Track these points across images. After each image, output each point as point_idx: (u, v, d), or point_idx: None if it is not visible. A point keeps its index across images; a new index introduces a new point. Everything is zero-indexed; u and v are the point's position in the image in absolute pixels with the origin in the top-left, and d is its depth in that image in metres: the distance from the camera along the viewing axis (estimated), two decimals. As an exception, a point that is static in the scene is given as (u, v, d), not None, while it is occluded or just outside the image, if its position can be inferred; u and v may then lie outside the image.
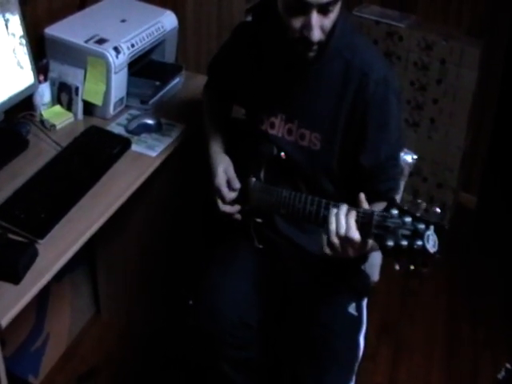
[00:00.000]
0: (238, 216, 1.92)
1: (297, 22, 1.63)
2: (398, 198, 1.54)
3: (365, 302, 1.97)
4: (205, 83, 2.19)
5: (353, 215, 1.49)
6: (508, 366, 2.66)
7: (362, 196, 1.52)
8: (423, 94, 3.41)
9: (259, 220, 1.89)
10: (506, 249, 3.45)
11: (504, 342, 2.94)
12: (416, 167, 3.43)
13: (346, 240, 1.50)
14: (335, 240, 1.51)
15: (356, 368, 1.83)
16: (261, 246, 1.92)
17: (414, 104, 3.44)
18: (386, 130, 1.74)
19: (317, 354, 1.79)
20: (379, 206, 1.52)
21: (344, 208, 1.52)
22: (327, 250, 1.54)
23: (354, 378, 1.83)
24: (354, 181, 1.79)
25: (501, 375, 2.66)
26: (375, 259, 2.09)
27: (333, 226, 1.51)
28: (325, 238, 1.54)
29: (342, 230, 1.49)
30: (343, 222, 1.50)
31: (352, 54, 1.73)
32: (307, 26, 1.60)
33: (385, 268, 2.16)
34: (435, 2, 3.46)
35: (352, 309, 1.89)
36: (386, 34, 3.40)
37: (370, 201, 1.54)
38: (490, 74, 3.39)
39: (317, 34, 1.61)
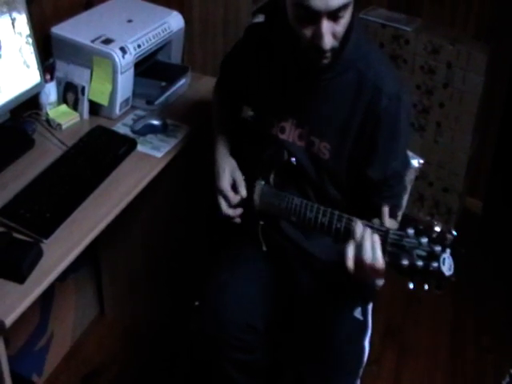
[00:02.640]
0: (238, 220, 1.91)
1: (307, 31, 1.61)
2: (400, 214, 1.53)
3: (370, 307, 1.97)
4: (216, 80, 2.19)
5: (378, 244, 1.46)
6: (512, 371, 2.65)
7: (386, 210, 1.49)
8: (429, 98, 3.40)
9: (262, 223, 1.88)
10: (512, 253, 3.44)
11: (508, 348, 2.93)
12: (422, 172, 3.43)
13: (371, 270, 1.48)
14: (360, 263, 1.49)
15: (360, 372, 1.83)
16: (265, 249, 1.92)
17: (420, 108, 3.43)
18: (395, 146, 1.73)
19: (322, 357, 1.79)
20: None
21: (368, 233, 1.49)
22: (351, 269, 1.52)
23: (358, 382, 1.83)
24: (361, 192, 1.78)
25: (505, 381, 2.65)
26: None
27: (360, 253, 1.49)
28: (350, 257, 1.50)
29: (369, 259, 1.46)
30: (369, 249, 1.47)
31: (366, 65, 1.71)
32: (318, 34, 1.58)
33: (390, 272, 2.15)
34: (442, 6, 3.45)
35: (357, 313, 1.89)
36: (392, 38, 3.40)
37: (374, 214, 1.53)
38: (496, 78, 3.38)
39: (328, 42, 1.59)
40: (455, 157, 3.43)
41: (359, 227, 1.51)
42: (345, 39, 1.67)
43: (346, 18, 1.59)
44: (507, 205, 3.83)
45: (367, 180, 1.74)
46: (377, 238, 1.47)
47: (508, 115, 3.57)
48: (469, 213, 3.74)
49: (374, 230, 1.48)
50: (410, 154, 2.00)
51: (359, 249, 1.48)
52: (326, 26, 1.57)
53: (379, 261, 1.46)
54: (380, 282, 2.13)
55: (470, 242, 3.47)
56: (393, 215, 1.47)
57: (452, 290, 3.19)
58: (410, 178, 2.06)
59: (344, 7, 1.55)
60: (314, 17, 1.56)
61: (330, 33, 1.58)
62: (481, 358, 2.88)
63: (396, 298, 3.09)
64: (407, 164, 1.81)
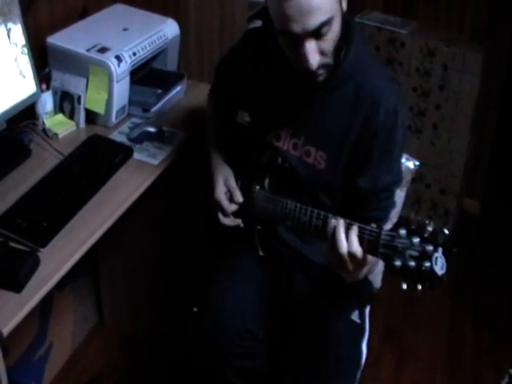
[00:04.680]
0: (241, 224, 1.91)
1: (294, 54, 1.60)
2: (387, 227, 1.54)
3: (367, 310, 1.97)
4: (211, 86, 2.18)
5: (355, 231, 1.50)
6: (512, 372, 2.65)
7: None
8: (426, 100, 3.40)
9: (260, 228, 1.89)
10: (510, 254, 3.44)
11: (507, 348, 2.93)
12: (419, 174, 3.44)
13: (348, 255, 1.50)
14: (338, 255, 1.51)
15: (358, 375, 1.83)
16: (262, 254, 1.92)
17: (416, 110, 3.44)
18: (389, 159, 1.73)
19: (319, 361, 1.79)
20: None
21: (342, 223, 1.53)
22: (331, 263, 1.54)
23: (356, 386, 1.83)
24: (351, 202, 1.79)
25: (504, 382, 2.66)
26: (378, 266, 2.09)
27: (336, 243, 1.52)
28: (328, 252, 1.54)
29: (343, 249, 1.50)
30: (342, 238, 1.51)
31: (364, 78, 1.69)
32: (303, 56, 1.57)
33: (387, 275, 2.16)
34: (437, 8, 3.46)
35: (355, 316, 1.89)
36: (387, 41, 3.40)
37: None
38: (492, 79, 3.39)
39: (314, 61, 1.58)
40: (452, 158, 3.44)
41: (334, 219, 1.55)
42: (345, 53, 1.66)
43: (331, 33, 1.57)
44: (505, 205, 3.83)
45: (357, 189, 1.74)
46: (354, 226, 1.50)
47: (504, 115, 3.58)
48: (466, 214, 3.74)
49: (366, 230, 1.49)
50: (405, 155, 2.02)
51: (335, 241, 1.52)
52: (309, 46, 1.55)
53: (354, 244, 1.48)
54: (377, 285, 2.16)
55: (468, 243, 3.49)
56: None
57: (450, 292, 3.20)
58: (405, 179, 2.07)
59: (324, 24, 1.53)
60: (297, 40, 1.55)
61: (315, 52, 1.57)
62: (480, 359, 2.89)
63: (395, 300, 3.10)
64: (400, 179, 1.80)
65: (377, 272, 2.10)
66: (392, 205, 1.80)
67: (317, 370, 1.78)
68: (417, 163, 2.10)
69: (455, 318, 3.10)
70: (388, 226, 1.66)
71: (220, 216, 1.90)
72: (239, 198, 1.88)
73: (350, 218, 1.54)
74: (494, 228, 3.70)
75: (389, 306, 3.08)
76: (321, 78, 1.67)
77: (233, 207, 1.89)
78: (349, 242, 1.49)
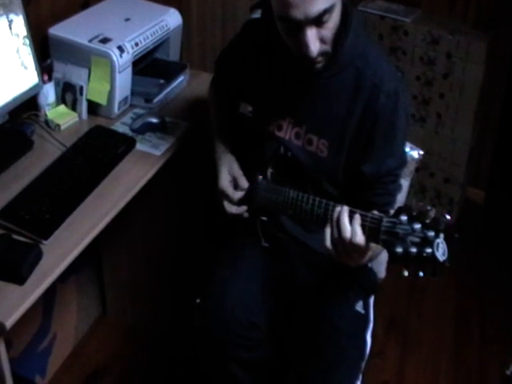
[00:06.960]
0: (246, 214, 1.91)
1: (294, 41, 1.59)
2: (392, 212, 1.53)
3: (372, 300, 1.97)
4: (212, 78, 2.18)
5: (358, 220, 1.48)
6: (517, 361, 2.65)
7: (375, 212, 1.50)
8: (430, 89, 3.39)
9: (265, 218, 1.88)
10: (515, 243, 3.43)
11: (512, 338, 2.93)
12: (423, 163, 3.43)
13: (351, 245, 1.48)
14: (339, 241, 1.50)
15: (363, 366, 1.83)
16: (266, 245, 1.92)
17: (420, 99, 3.42)
18: (392, 143, 1.72)
19: (324, 352, 1.79)
20: None
21: (346, 209, 1.51)
22: (330, 249, 1.53)
23: (360, 376, 1.82)
24: (355, 188, 1.78)
25: (509, 371, 2.66)
26: (381, 256, 2.08)
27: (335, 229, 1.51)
28: (328, 237, 1.53)
29: (347, 234, 1.48)
30: (347, 224, 1.49)
31: (364, 63, 1.69)
32: (303, 43, 1.56)
33: (390, 264, 2.15)
34: (441, -4, 3.45)
35: (359, 307, 1.89)
36: (391, 29, 3.38)
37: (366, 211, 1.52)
38: (496, 67, 3.37)
39: (314, 49, 1.57)
40: (456, 147, 3.43)
41: (338, 206, 1.53)
42: (343, 38, 1.65)
43: (331, 20, 1.57)
44: (509, 194, 3.81)
45: (361, 175, 1.74)
46: (356, 215, 1.49)
47: (508, 104, 3.56)
48: (471, 203, 3.74)
49: (368, 217, 1.48)
50: (409, 145, 2.01)
51: (339, 226, 1.50)
52: (310, 33, 1.54)
53: (358, 234, 1.47)
54: (382, 275, 2.15)
55: (472, 232, 3.48)
56: (383, 213, 1.47)
57: (455, 281, 3.20)
58: (410, 169, 2.06)
59: (325, 12, 1.52)
60: (297, 27, 1.54)
61: (316, 39, 1.56)
62: (485, 348, 2.89)
63: (399, 290, 3.10)
64: (404, 163, 1.79)
65: (381, 262, 2.09)
66: (398, 188, 1.80)
67: (321, 361, 1.78)
68: (421, 152, 2.10)
69: (460, 308, 3.10)
70: (393, 211, 1.66)
71: (226, 204, 1.89)
72: (244, 183, 1.88)
73: (355, 204, 1.53)
74: (498, 217, 3.68)
75: (394, 296, 3.08)
76: (319, 66, 1.67)
77: (238, 194, 1.88)
78: (352, 232, 1.48)
